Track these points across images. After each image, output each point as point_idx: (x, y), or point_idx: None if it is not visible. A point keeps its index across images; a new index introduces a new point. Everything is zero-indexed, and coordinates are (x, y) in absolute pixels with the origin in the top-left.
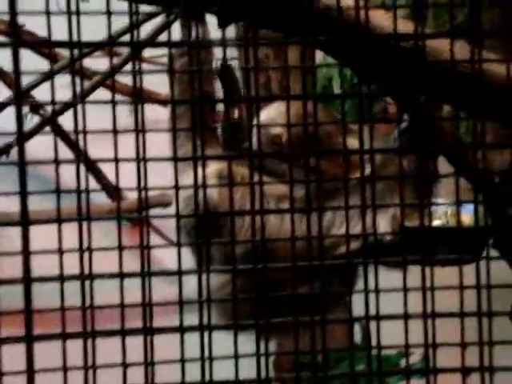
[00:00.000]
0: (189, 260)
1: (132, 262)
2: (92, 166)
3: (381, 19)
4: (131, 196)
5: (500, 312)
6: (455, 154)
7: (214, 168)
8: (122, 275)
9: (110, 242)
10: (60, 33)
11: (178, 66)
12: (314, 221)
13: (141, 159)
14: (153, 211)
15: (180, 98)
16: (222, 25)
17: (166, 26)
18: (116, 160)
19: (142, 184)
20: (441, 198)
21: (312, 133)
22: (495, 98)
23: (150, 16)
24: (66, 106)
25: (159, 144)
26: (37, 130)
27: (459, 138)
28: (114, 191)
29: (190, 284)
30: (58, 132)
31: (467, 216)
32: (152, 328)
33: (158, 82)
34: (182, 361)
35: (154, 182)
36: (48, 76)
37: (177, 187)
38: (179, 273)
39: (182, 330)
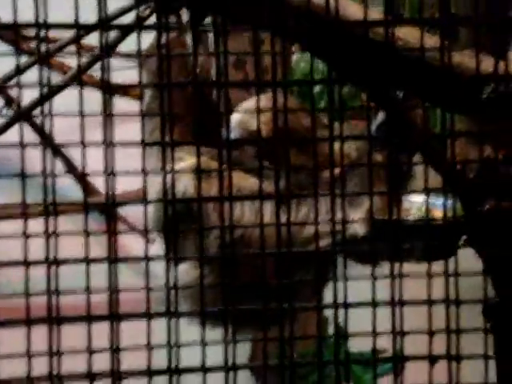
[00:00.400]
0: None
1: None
2: (63, 158)
3: (353, 10)
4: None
5: (467, 300)
6: (429, 149)
7: (189, 162)
8: (87, 260)
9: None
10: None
11: (152, 62)
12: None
13: (108, 143)
14: (129, 207)
15: (153, 92)
16: (195, 20)
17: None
18: (83, 144)
19: (110, 169)
20: (416, 194)
21: (287, 125)
22: (467, 91)
23: (124, 11)
24: (38, 101)
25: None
26: (10, 124)
27: (433, 133)
28: (80, 176)
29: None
30: (31, 124)
31: (441, 211)
32: (118, 314)
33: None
34: (149, 347)
35: (131, 181)
36: (17, 69)
37: (145, 172)
38: (146, 259)
39: (148, 316)
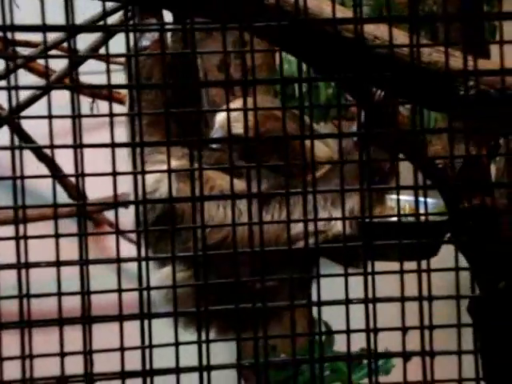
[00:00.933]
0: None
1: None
2: (48, 162)
3: (324, 8)
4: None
5: (440, 296)
6: (411, 149)
7: (172, 166)
8: (58, 263)
9: (69, 244)
10: None
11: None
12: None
13: (77, 145)
14: (113, 211)
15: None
16: (178, 20)
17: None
18: (52, 146)
19: (80, 171)
20: (403, 195)
21: (257, 123)
22: (444, 88)
23: (106, 15)
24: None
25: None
26: None
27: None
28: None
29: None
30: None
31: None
32: (90, 317)
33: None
34: (122, 349)
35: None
36: None
37: (115, 173)
38: (118, 260)
39: (121, 318)
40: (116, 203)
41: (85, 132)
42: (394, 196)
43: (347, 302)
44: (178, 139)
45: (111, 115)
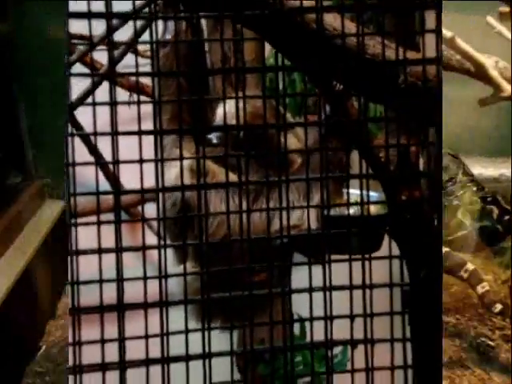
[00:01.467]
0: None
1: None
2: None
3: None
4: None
5: (379, 284)
6: (358, 140)
7: (186, 162)
8: (100, 251)
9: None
10: None
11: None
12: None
13: (113, 132)
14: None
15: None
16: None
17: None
18: (95, 134)
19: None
20: (352, 188)
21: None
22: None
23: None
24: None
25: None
26: None
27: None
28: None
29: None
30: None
31: (374, 205)
32: (123, 304)
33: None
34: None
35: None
36: None
37: (141, 161)
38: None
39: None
40: (142, 190)
41: (127, 124)
42: (351, 190)
43: (310, 290)
44: (188, 128)
45: (138, 102)
